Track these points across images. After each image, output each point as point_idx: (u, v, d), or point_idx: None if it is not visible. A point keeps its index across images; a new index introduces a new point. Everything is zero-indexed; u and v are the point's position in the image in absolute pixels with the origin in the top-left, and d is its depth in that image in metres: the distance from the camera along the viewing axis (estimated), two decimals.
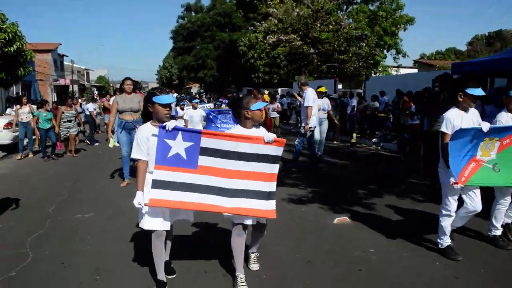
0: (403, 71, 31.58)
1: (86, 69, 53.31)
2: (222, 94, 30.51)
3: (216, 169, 3.30)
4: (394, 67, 30.38)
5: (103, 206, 6.15)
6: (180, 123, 12.11)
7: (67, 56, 43.66)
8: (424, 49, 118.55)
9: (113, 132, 7.78)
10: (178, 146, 3.23)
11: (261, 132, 3.54)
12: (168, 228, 3.43)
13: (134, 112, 7.29)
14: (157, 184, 3.20)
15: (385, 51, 28.96)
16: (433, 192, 6.92)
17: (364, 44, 26.64)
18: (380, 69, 28.68)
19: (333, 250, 4.42)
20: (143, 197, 3.26)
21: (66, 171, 9.41)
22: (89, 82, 52.93)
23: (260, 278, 3.75)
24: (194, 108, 10.80)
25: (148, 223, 3.31)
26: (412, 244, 4.52)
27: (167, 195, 3.20)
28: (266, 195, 3.34)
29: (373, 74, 27.58)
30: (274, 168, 3.35)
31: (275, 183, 3.38)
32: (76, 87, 42.84)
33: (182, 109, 12.43)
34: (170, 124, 3.18)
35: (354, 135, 14.58)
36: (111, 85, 57.40)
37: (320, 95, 10.02)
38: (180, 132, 3.21)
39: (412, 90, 13.15)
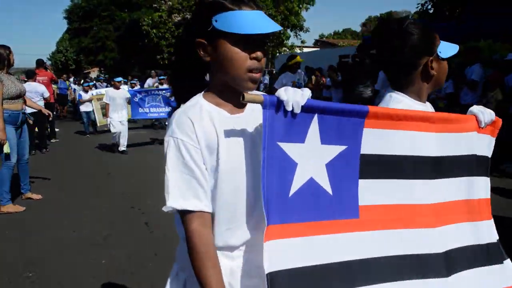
0: (306, 50, 32.61)
1: None
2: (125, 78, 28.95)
3: (403, 209, 1.28)
4: (298, 46, 31.19)
5: None
6: (87, 108, 11.16)
7: None
8: (322, 30, 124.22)
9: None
10: (313, 158, 1.12)
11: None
12: None
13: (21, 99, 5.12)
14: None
15: (289, 31, 29.58)
16: None
17: None
18: (285, 49, 29.26)
19: None
20: None
21: None
22: None
23: None
24: (117, 88, 8.55)
25: None
26: None
27: None
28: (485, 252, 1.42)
29: (281, 53, 28.07)
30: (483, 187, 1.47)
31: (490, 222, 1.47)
32: None
33: (87, 91, 11.41)
34: (299, 96, 1.06)
35: None
36: None
37: (295, 68, 7.54)
38: (316, 117, 1.10)
39: (322, 66, 13.61)
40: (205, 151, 1.12)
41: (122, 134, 8.06)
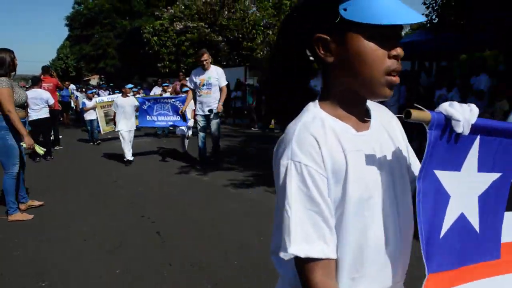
0: None
1: None
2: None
3: None
4: None
5: None
6: (91, 116, 11.07)
7: None
8: None
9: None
10: (466, 189, 0.95)
11: None
12: None
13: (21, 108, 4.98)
14: None
15: None
16: None
17: (270, 32, 27.04)
18: None
19: None
20: None
21: None
22: None
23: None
24: (125, 95, 8.18)
25: None
26: None
27: None
28: None
29: None
30: None
31: None
32: None
33: (91, 99, 11.37)
34: (468, 113, 0.87)
35: (273, 120, 14.73)
36: None
37: None
38: (478, 139, 0.92)
39: None
40: (331, 179, 0.89)
41: (129, 143, 7.95)
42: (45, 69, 10.57)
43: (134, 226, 4.52)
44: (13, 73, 4.82)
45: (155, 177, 7.03)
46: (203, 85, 6.91)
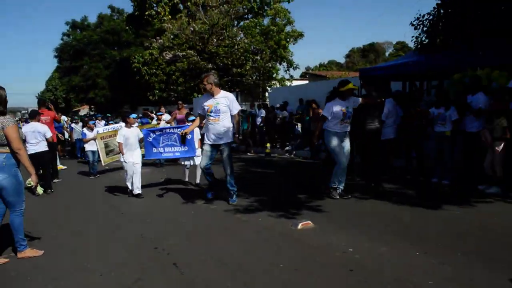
0: (295, 82, 33.14)
1: None
2: (115, 115, 28.82)
3: None
4: (287, 79, 31.70)
5: None
6: (92, 147, 10.90)
7: None
8: (308, 62, 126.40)
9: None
10: None
11: None
12: None
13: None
14: None
15: (277, 64, 30.13)
16: (369, 188, 7.29)
17: (258, 58, 27.41)
18: (274, 82, 29.76)
19: (313, 255, 4.30)
20: None
21: None
22: None
23: None
24: (129, 126, 7.89)
25: None
26: (381, 238, 4.64)
27: None
28: None
29: (271, 86, 28.50)
30: None
31: None
32: None
33: (92, 129, 11.28)
34: None
35: (268, 145, 14.82)
36: None
37: (348, 95, 6.69)
38: None
39: (316, 98, 13.77)
40: None
41: (136, 176, 7.73)
42: (42, 102, 10.55)
43: (149, 259, 4.47)
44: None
45: (162, 207, 6.99)
46: (211, 111, 6.48)
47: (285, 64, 30.04)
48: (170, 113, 13.50)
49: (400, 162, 9.26)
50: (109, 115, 22.25)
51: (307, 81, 37.03)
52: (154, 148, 7.78)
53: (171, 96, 29.53)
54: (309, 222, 5.31)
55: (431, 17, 10.82)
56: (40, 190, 4.82)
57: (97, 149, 9.87)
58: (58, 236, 5.48)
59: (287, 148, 14.57)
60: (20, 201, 4.61)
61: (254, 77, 28.63)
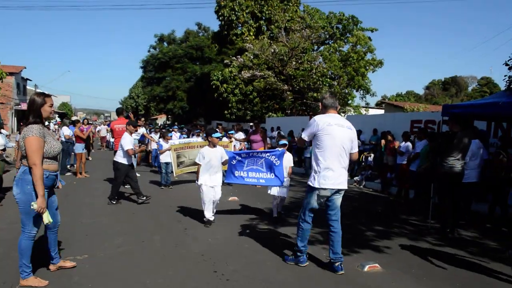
0: (371, 111, 32.36)
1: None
2: (190, 125, 29.71)
3: None
4: (363, 106, 31.06)
5: None
6: (167, 158, 11.11)
7: (30, 80, 42.20)
8: (385, 90, 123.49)
9: None
10: None
11: None
12: None
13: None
14: None
15: (354, 91, 29.63)
16: (442, 233, 6.81)
17: (336, 83, 27.15)
18: (351, 109, 29.23)
19: None
20: None
21: None
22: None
23: None
24: (212, 145, 7.00)
25: None
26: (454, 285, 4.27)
27: None
28: None
29: (345, 112, 28.03)
30: None
31: None
32: None
33: (168, 140, 11.32)
34: None
35: None
36: (74, 112, 55.67)
37: None
38: None
39: (390, 130, 13.33)
40: None
41: (214, 201, 7.07)
42: (119, 111, 10.99)
43: (208, 283, 4.44)
44: (47, 121, 4.15)
45: (225, 229, 6.85)
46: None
47: (361, 91, 29.47)
48: (225, 130, 13.39)
49: (481, 207, 8.60)
50: (183, 126, 22.84)
51: (382, 110, 36.07)
52: (236, 172, 7.24)
53: (247, 115, 30.07)
54: (376, 264, 5.03)
55: None
56: (47, 218, 3.99)
57: (171, 160, 10.17)
58: (123, 244, 5.65)
59: (356, 178, 14.14)
60: (28, 223, 4.12)
61: None
